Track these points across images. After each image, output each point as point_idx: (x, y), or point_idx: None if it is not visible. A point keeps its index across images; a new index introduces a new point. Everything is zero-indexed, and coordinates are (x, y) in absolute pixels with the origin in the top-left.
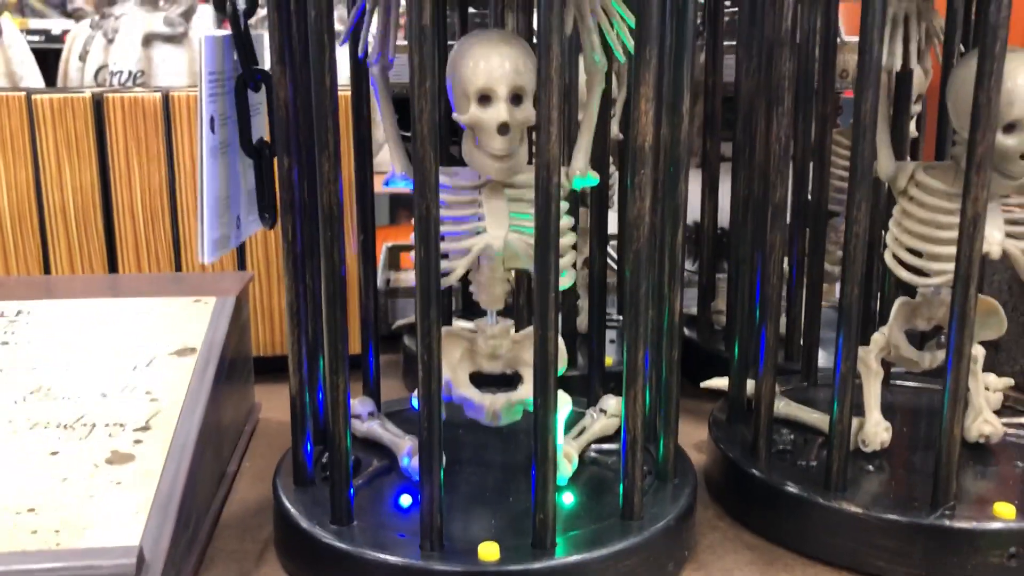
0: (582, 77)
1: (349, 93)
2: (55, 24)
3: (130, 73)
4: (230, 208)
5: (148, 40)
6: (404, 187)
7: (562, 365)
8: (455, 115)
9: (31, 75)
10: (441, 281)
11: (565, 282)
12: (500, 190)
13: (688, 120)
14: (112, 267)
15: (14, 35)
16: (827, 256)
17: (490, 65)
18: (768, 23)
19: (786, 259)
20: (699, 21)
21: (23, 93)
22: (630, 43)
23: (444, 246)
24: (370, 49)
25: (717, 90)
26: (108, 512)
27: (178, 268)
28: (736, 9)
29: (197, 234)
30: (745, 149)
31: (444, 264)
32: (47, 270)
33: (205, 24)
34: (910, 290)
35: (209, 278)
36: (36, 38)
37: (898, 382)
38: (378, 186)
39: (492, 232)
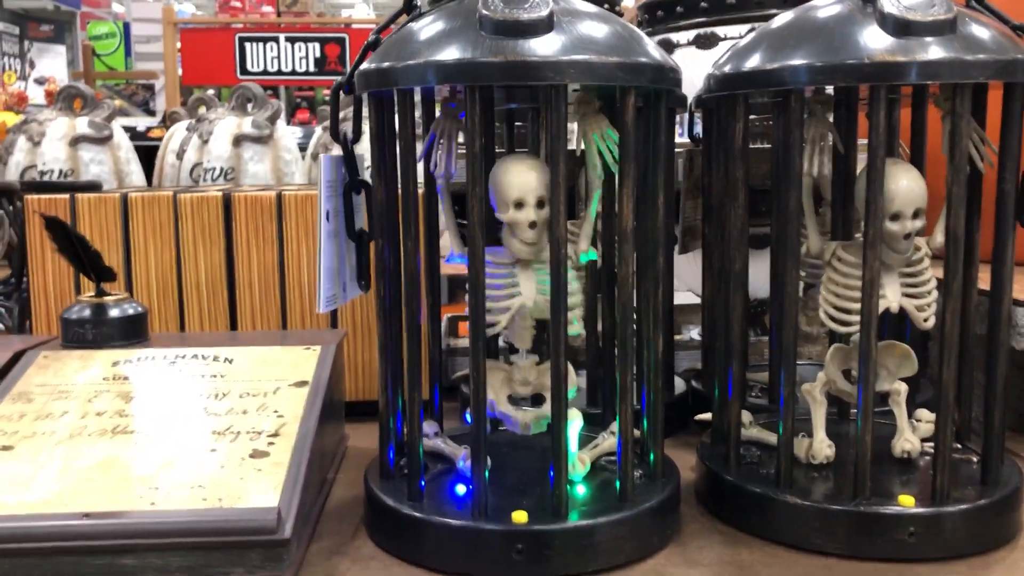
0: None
1: (422, 191)
2: (140, 122)
3: (221, 170)
4: (339, 276)
5: (238, 141)
6: (460, 263)
7: (572, 386)
8: (497, 214)
9: (136, 172)
10: (488, 331)
11: (574, 328)
12: (529, 266)
13: (662, 212)
14: (233, 328)
15: (122, 138)
16: (802, 319)
17: (522, 181)
18: (729, 142)
19: (768, 319)
20: (700, 131)
21: (170, 193)
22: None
23: (489, 305)
24: (438, 166)
25: (714, 186)
26: (254, 489)
27: (284, 328)
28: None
29: (316, 291)
30: (717, 233)
31: (489, 318)
32: (182, 329)
33: (286, 128)
34: (844, 337)
35: (312, 334)
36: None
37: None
38: (442, 263)
39: (526, 294)
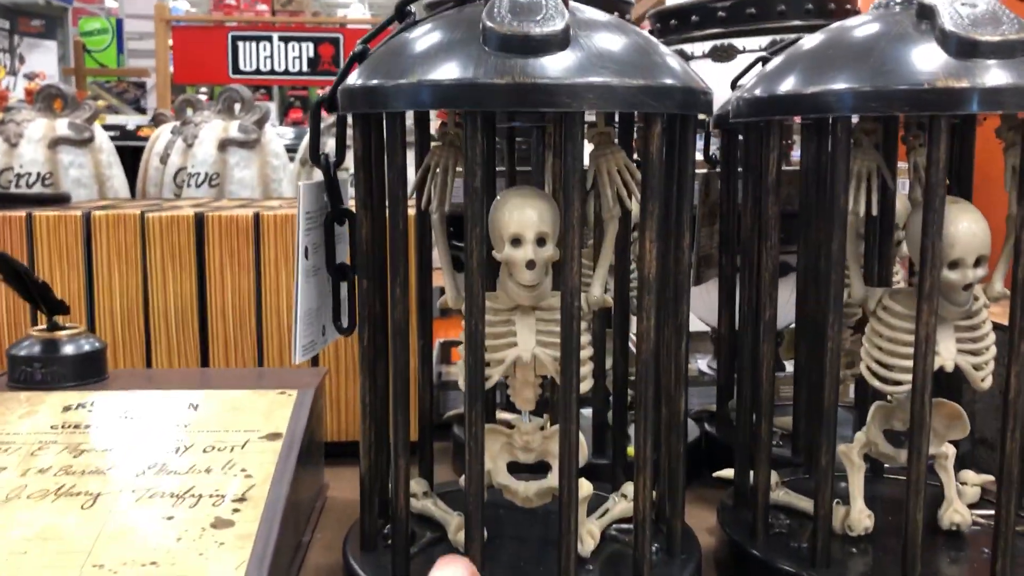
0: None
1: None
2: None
3: (206, 175)
4: (318, 317)
5: (224, 145)
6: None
7: (583, 459)
8: (494, 252)
9: (118, 176)
10: None
11: (584, 387)
12: (530, 312)
13: (687, 254)
14: (204, 362)
15: (104, 140)
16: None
17: (521, 215)
18: (760, 173)
19: (792, 364)
20: (715, 152)
21: (137, 211)
22: (638, 195)
23: (486, 354)
24: (433, 202)
25: (732, 212)
26: (215, 568)
27: (260, 362)
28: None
29: (291, 339)
30: (745, 272)
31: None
32: (148, 364)
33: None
34: (886, 395)
35: (290, 373)
36: (112, 133)
37: (890, 476)
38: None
39: (522, 345)
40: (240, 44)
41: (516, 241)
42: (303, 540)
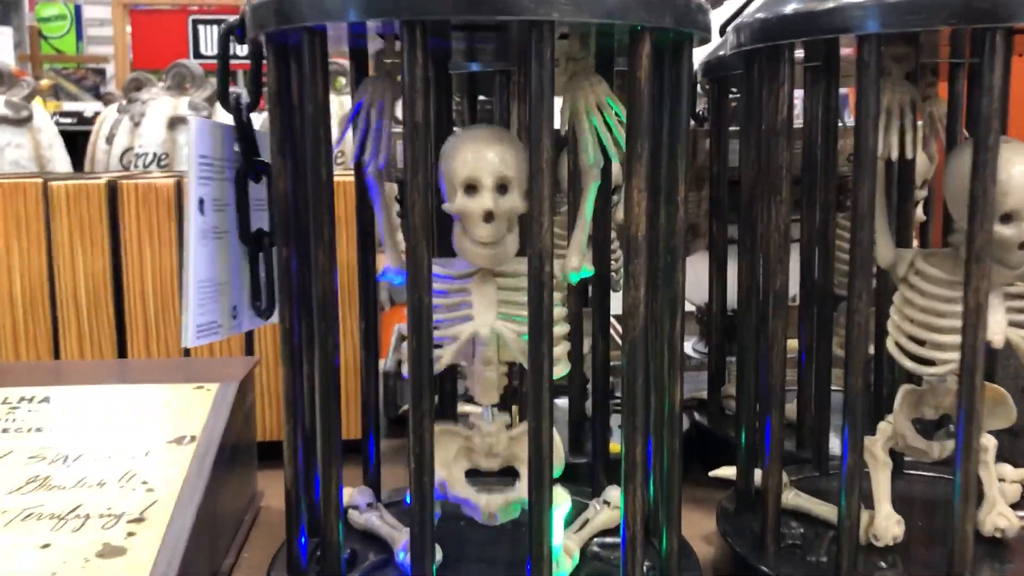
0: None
1: (353, 179)
2: (88, 107)
3: (155, 155)
4: (227, 294)
5: (173, 123)
6: (397, 282)
7: (558, 464)
8: (444, 205)
9: (59, 158)
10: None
11: (559, 371)
12: (490, 279)
13: (683, 209)
14: (122, 351)
15: (44, 120)
16: (836, 340)
17: (476, 156)
18: (767, 113)
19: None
20: (703, 108)
21: (40, 180)
22: (623, 138)
23: (434, 334)
24: (365, 152)
25: (722, 175)
26: None
27: (187, 352)
28: (739, 96)
29: (182, 316)
30: (746, 238)
31: (433, 352)
32: (57, 355)
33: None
34: (916, 376)
35: (215, 363)
36: (69, 120)
37: (912, 471)
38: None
39: (479, 319)
40: (201, 28)
41: (471, 188)
42: (223, 565)
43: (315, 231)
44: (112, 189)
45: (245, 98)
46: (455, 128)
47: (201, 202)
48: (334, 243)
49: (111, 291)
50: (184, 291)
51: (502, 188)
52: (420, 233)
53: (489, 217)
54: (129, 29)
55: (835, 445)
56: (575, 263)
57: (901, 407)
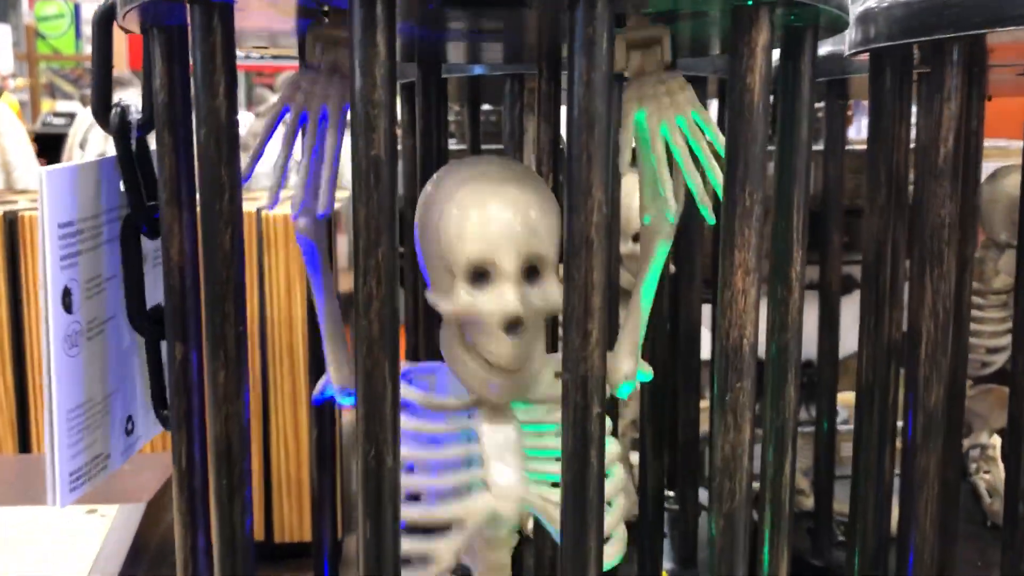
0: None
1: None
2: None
3: None
4: (113, 410)
5: None
6: (347, 405)
7: None
8: (431, 297)
9: (26, 164)
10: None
11: (611, 555)
12: (505, 411)
13: (800, 292)
14: (23, 444)
15: (9, 123)
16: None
17: (488, 219)
18: (925, 138)
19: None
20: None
21: None
22: (717, 178)
23: (415, 513)
24: (292, 193)
25: (835, 207)
26: None
27: None
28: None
29: (47, 464)
30: (877, 327)
31: (418, 547)
32: None
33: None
34: None
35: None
36: (62, 120)
37: None
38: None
39: (497, 486)
40: None
41: (480, 275)
42: None
43: (211, 329)
44: (10, 222)
45: (135, 112)
46: (451, 162)
47: (66, 294)
48: (244, 355)
49: (8, 348)
50: (46, 428)
51: (532, 273)
52: (379, 347)
53: (514, 325)
54: None
55: None
56: (627, 369)
57: None
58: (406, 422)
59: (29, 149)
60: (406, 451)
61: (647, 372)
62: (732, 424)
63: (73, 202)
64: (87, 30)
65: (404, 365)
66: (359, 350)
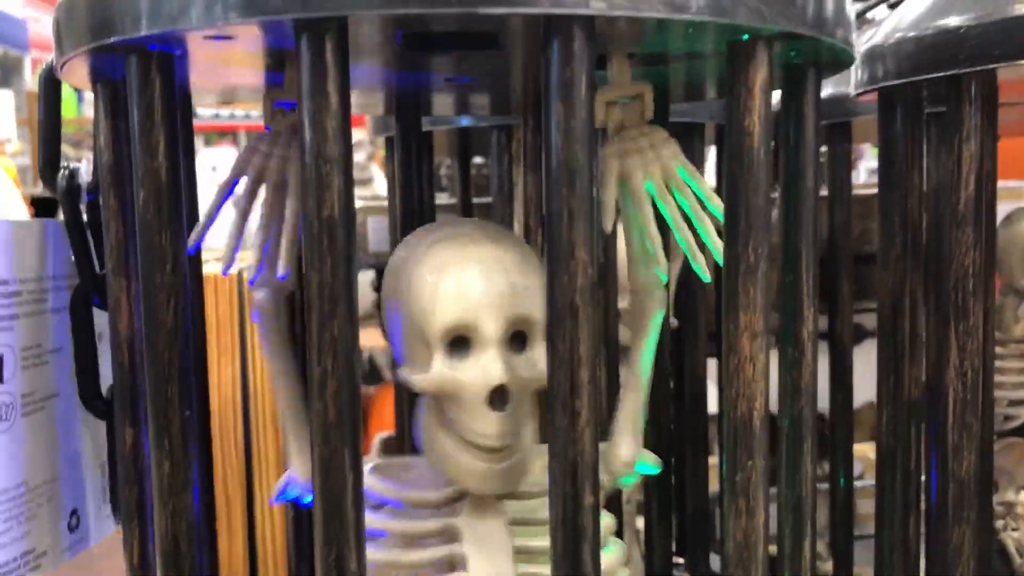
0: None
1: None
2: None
3: None
4: (55, 499)
5: None
6: (308, 503)
7: None
8: (403, 375)
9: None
10: None
11: None
12: (493, 506)
13: (813, 355)
14: None
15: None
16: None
17: (466, 279)
18: (943, 182)
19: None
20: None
21: None
22: (710, 237)
23: None
24: (247, 261)
25: (846, 251)
26: None
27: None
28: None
29: None
30: (896, 386)
31: None
32: None
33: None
34: None
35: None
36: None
37: None
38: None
39: None
40: None
41: (460, 342)
42: None
43: (156, 418)
44: None
45: (85, 174)
46: (422, 226)
47: None
48: (192, 432)
49: None
50: None
51: (518, 339)
52: (337, 435)
53: (500, 398)
54: None
55: None
56: (627, 454)
57: None
58: (377, 521)
59: (21, 208)
60: (380, 555)
61: (651, 464)
62: (744, 508)
63: (8, 259)
64: (89, 94)
65: (375, 459)
66: (315, 438)
